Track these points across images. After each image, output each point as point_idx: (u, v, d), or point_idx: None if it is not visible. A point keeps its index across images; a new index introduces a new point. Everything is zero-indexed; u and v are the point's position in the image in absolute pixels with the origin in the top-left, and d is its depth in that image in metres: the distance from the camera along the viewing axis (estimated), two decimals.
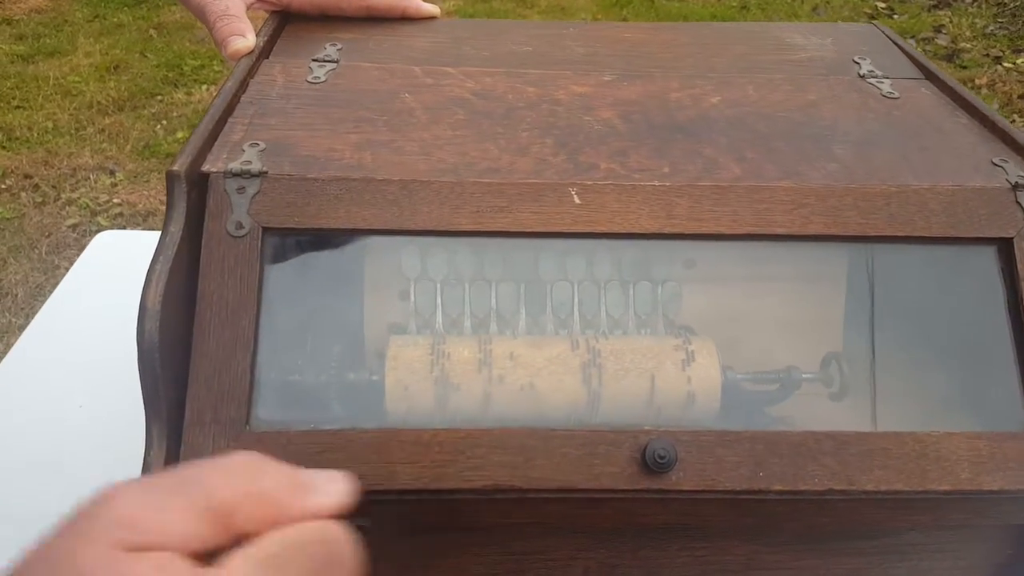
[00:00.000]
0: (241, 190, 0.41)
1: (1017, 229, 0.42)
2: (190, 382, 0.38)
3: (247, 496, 0.25)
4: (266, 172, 0.42)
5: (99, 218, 2.21)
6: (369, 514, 0.38)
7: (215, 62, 2.74)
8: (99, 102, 2.62)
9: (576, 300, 0.48)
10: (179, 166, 0.40)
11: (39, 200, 2.27)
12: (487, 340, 0.45)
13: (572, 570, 0.43)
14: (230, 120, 0.46)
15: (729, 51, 0.58)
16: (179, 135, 2.47)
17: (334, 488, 0.28)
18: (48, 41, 2.92)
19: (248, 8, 0.58)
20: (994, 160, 0.45)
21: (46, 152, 2.44)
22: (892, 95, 0.52)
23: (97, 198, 2.28)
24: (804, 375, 0.45)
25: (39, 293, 1.94)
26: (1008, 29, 2.64)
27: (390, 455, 0.38)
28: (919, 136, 0.48)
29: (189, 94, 2.65)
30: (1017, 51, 2.58)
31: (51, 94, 2.67)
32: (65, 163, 2.40)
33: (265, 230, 0.41)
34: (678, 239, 0.42)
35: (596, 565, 0.43)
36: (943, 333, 0.47)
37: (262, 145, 0.44)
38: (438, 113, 0.48)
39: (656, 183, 0.43)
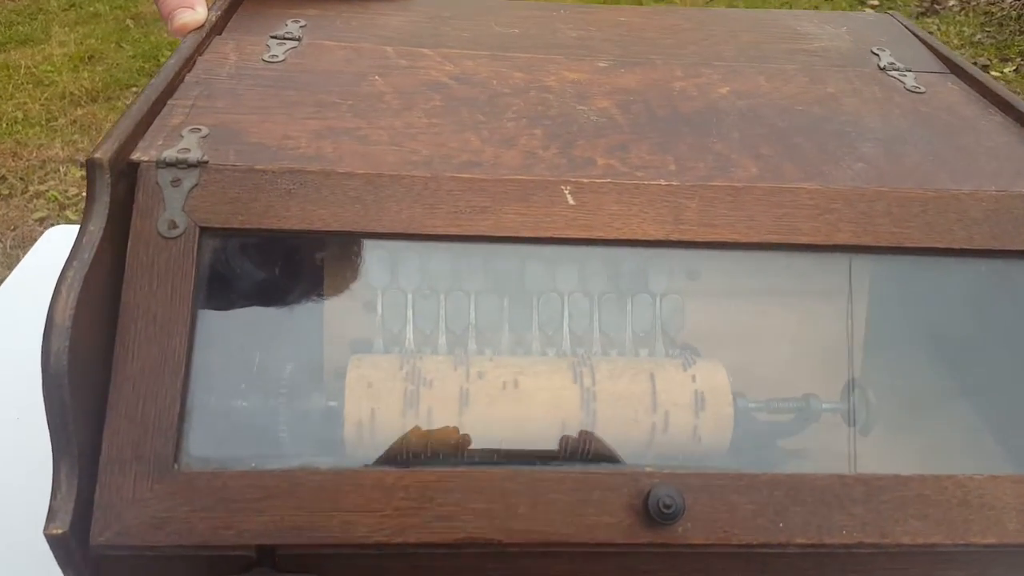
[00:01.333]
0: (176, 183, 0.35)
1: None
2: (108, 411, 0.32)
3: None
4: (206, 162, 0.35)
5: (68, 212, 2.13)
6: (317, 570, 0.32)
7: None
8: (72, 93, 2.54)
9: (566, 314, 0.42)
10: (102, 153, 0.34)
11: (6, 192, 2.19)
12: (463, 356, 0.39)
13: None
14: (170, 102, 0.40)
15: (736, 38, 0.52)
16: None
17: None
18: (21, 29, 2.83)
19: None
20: None
21: (15, 143, 2.36)
22: (917, 89, 0.47)
23: (66, 191, 2.20)
24: (824, 405, 0.40)
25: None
26: (995, 38, 2.63)
27: (346, 501, 0.32)
28: (952, 135, 0.43)
29: None
30: (1004, 60, 2.57)
31: (22, 83, 2.58)
32: (34, 155, 2.32)
33: (203, 230, 0.34)
34: (687, 247, 0.36)
35: None
36: (983, 359, 0.42)
37: (204, 131, 0.37)
38: (412, 98, 0.43)
39: (662, 182, 0.37)
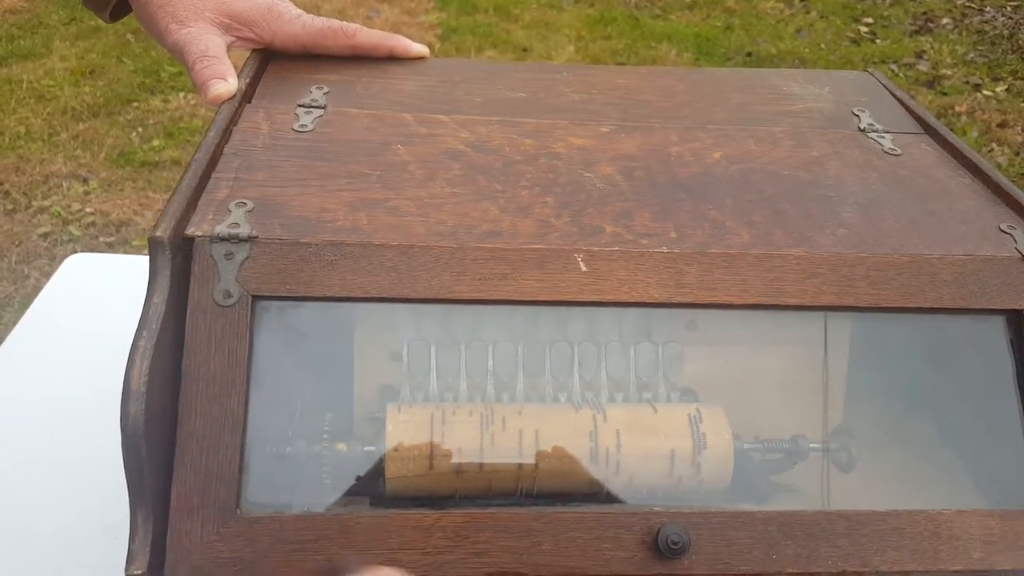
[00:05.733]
0: (229, 256, 0.39)
1: None
2: (176, 464, 0.36)
3: None
4: (256, 237, 0.39)
5: (71, 227, 2.16)
6: None
7: None
8: (73, 107, 2.57)
9: (576, 362, 0.47)
10: (162, 231, 0.38)
11: (10, 208, 2.22)
12: (488, 407, 0.43)
13: None
14: (214, 175, 0.44)
15: (727, 100, 0.57)
16: (155, 143, 2.42)
17: None
18: (23, 43, 2.86)
19: (228, 47, 0.55)
20: (1002, 227, 0.45)
21: (17, 158, 2.38)
22: (894, 152, 0.52)
23: (69, 206, 2.23)
24: (811, 445, 0.44)
25: (7, 303, 1.90)
26: (987, 57, 2.69)
27: (389, 541, 0.36)
28: (925, 198, 0.47)
29: (166, 101, 2.61)
30: (996, 79, 2.62)
31: (24, 98, 2.61)
32: (37, 170, 2.34)
33: (255, 298, 0.39)
34: (687, 308, 0.41)
35: None
36: (953, 404, 0.46)
37: (250, 204, 0.42)
38: (433, 167, 0.47)
39: (665, 250, 0.41)
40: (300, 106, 0.51)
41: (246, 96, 0.52)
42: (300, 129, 0.49)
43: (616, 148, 0.50)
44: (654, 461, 0.41)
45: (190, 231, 0.39)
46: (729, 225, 0.43)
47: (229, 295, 0.38)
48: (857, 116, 0.55)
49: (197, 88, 0.52)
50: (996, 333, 0.42)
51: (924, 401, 0.47)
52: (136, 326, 0.36)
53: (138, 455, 0.34)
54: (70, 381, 0.73)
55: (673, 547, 0.36)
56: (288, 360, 0.42)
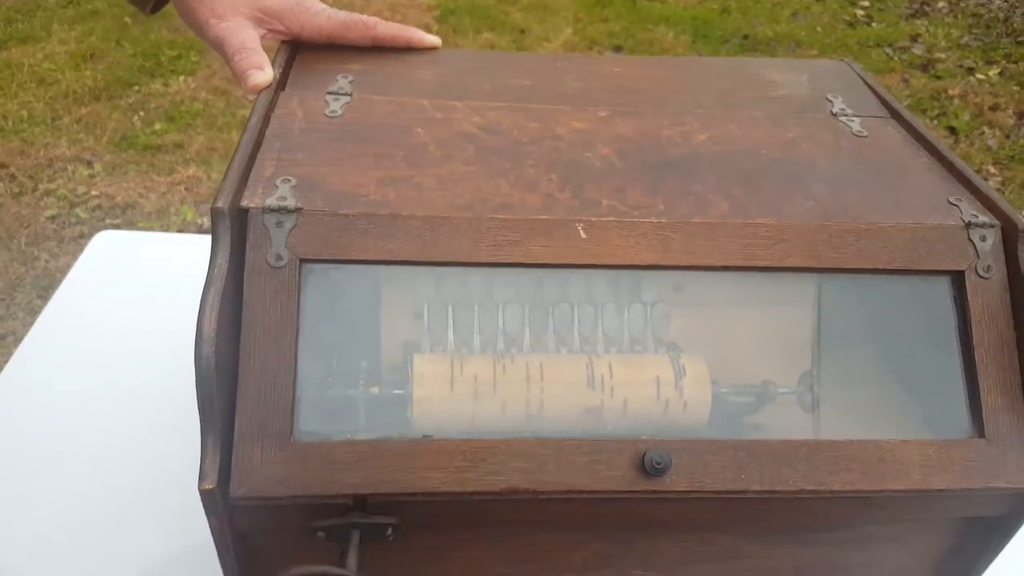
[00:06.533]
0: (279, 224, 0.45)
1: (968, 263, 0.48)
2: (238, 399, 0.43)
3: None
4: (301, 208, 0.46)
5: (78, 210, 2.20)
6: (398, 513, 0.43)
7: (192, 52, 2.72)
8: (75, 91, 2.59)
9: (576, 320, 0.53)
10: (222, 203, 0.44)
11: (16, 191, 2.26)
12: (501, 359, 0.50)
13: (572, 559, 0.49)
14: (259, 155, 0.50)
15: (713, 87, 0.63)
16: (157, 126, 2.46)
17: None
18: (21, 27, 2.87)
19: (261, 39, 0.61)
20: (950, 199, 0.51)
21: (22, 142, 2.41)
22: (862, 134, 0.58)
23: (75, 189, 2.27)
24: (780, 389, 0.51)
25: (19, 284, 1.95)
26: (982, 40, 2.74)
27: (418, 462, 0.43)
28: (885, 175, 0.54)
29: (166, 84, 2.64)
30: (989, 63, 2.67)
31: (25, 82, 2.63)
32: (42, 153, 2.38)
33: (302, 261, 0.45)
34: (672, 270, 0.47)
35: (593, 555, 0.49)
36: (904, 350, 0.53)
37: (293, 181, 0.48)
38: (450, 148, 0.53)
39: (653, 220, 0.48)
40: (329, 93, 0.57)
41: (280, 85, 0.58)
42: (331, 115, 0.55)
43: (613, 131, 0.56)
44: (642, 387, 0.48)
45: (245, 203, 0.45)
46: (711, 198, 0.50)
47: (280, 258, 0.45)
48: (830, 101, 0.62)
49: (237, 76, 0.58)
50: (942, 291, 0.48)
51: (881, 350, 0.54)
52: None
53: (210, 389, 0.41)
54: (104, 356, 0.78)
55: (657, 467, 0.43)
56: (329, 314, 0.48)
